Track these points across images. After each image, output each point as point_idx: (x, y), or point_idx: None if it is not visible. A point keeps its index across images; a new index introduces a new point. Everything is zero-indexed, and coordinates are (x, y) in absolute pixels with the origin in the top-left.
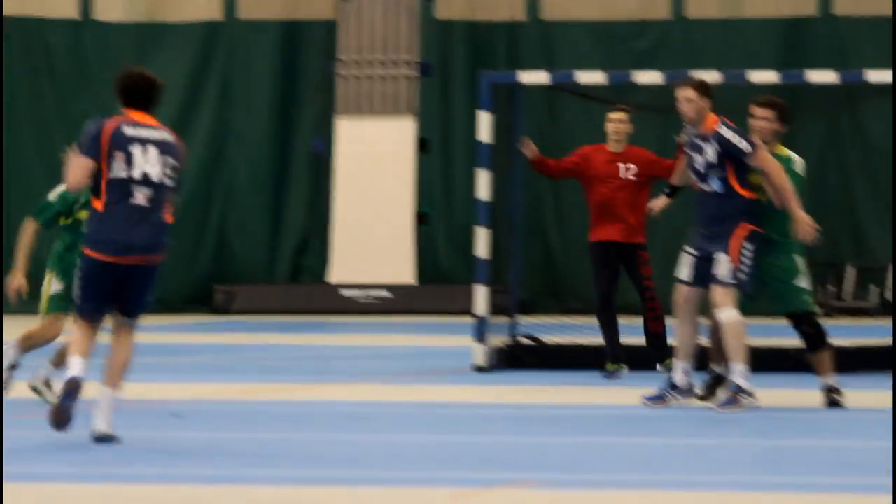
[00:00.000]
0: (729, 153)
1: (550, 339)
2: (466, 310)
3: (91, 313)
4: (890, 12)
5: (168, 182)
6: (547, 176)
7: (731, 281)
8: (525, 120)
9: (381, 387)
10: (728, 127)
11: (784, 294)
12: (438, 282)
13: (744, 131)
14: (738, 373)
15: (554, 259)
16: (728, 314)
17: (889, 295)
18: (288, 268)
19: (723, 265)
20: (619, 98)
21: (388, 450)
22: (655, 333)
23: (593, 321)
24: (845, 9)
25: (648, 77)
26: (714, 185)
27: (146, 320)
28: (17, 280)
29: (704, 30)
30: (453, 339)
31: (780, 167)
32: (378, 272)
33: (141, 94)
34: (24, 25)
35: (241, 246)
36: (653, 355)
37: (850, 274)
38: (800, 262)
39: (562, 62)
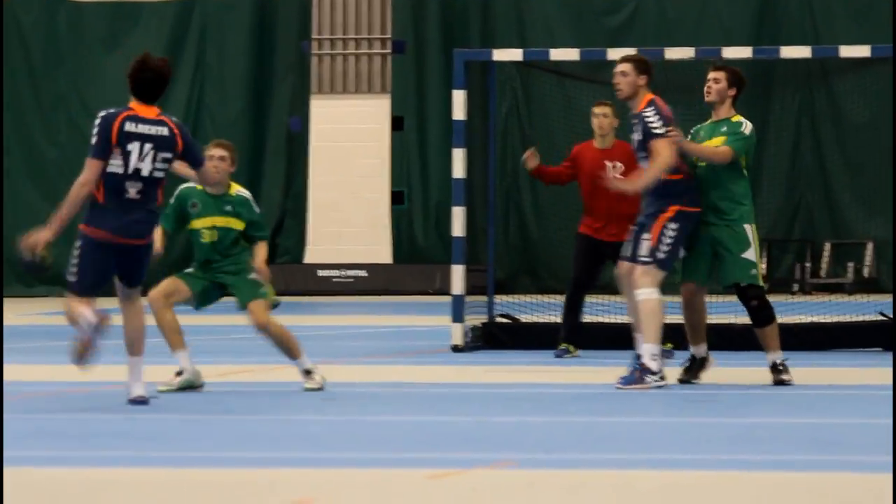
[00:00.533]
0: (646, 134)
1: (527, 318)
2: (443, 289)
3: (86, 289)
4: None
5: (158, 174)
6: (550, 183)
7: (649, 259)
8: (499, 97)
9: (358, 367)
10: (654, 107)
11: (730, 266)
12: (415, 261)
13: (670, 116)
14: (648, 353)
15: (530, 238)
16: (645, 294)
17: (867, 272)
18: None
19: (643, 245)
20: (593, 74)
21: (366, 430)
22: None
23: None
24: None
25: (622, 54)
26: (644, 165)
27: (115, 303)
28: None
29: (678, 5)
30: (430, 319)
31: (668, 161)
32: (354, 252)
33: (149, 89)
34: None
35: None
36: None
37: (827, 250)
38: (749, 232)
39: (535, 39)
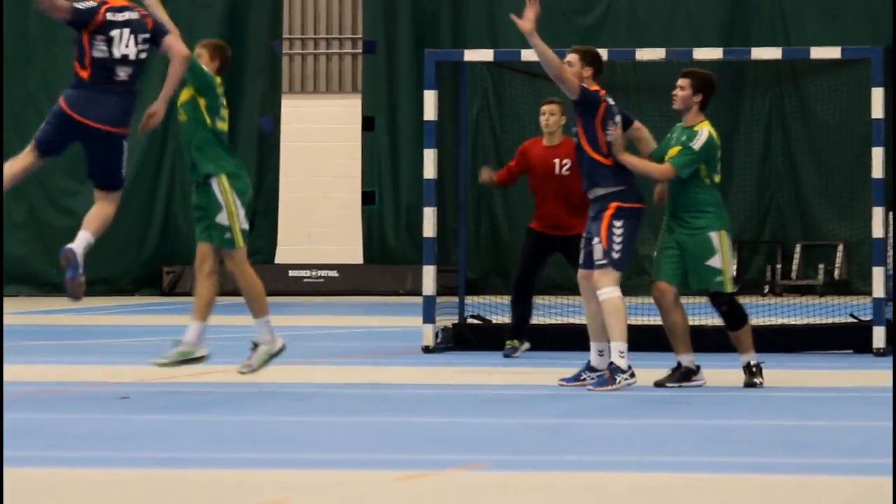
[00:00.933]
0: (577, 110)
1: (498, 319)
2: (414, 290)
3: (46, 146)
4: None
5: (144, 56)
6: (505, 185)
7: (604, 261)
8: (470, 98)
9: (329, 368)
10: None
11: (695, 273)
12: (386, 262)
13: (598, 101)
14: (617, 352)
15: (501, 238)
16: (606, 293)
17: (838, 273)
18: None
19: (597, 249)
20: None
21: (335, 431)
22: None
23: (541, 300)
24: None
25: None
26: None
27: (95, 302)
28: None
29: (649, 6)
30: (401, 320)
31: (545, 53)
32: (325, 252)
33: None
34: None
35: (189, 227)
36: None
37: (797, 252)
38: (715, 240)
39: (507, 39)
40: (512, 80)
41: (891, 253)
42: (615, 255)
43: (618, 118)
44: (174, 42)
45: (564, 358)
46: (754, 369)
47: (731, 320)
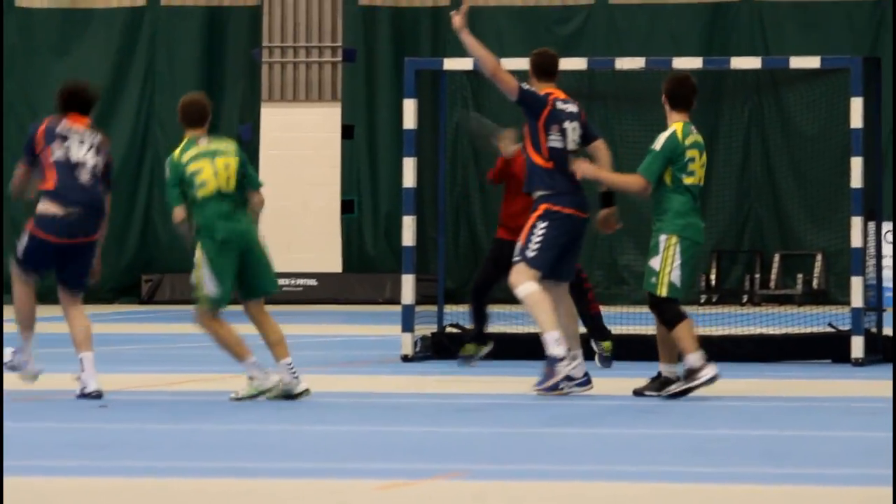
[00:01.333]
0: (524, 110)
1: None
2: (393, 299)
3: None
4: None
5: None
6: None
7: (518, 258)
8: (450, 106)
9: (308, 376)
10: (543, 95)
11: (644, 272)
12: (365, 270)
13: (541, 103)
14: (552, 342)
15: (480, 247)
16: (523, 289)
17: (816, 283)
18: None
19: (518, 246)
20: None
21: (314, 440)
22: (593, 315)
23: (519, 309)
24: None
25: (572, 63)
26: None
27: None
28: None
29: (628, 15)
30: (380, 329)
31: (484, 59)
32: (304, 260)
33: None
34: None
35: (168, 235)
36: (591, 337)
37: (776, 261)
38: (662, 244)
39: (487, 48)
40: (491, 89)
41: (871, 263)
42: (529, 254)
43: (568, 124)
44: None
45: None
46: (662, 380)
47: (665, 323)
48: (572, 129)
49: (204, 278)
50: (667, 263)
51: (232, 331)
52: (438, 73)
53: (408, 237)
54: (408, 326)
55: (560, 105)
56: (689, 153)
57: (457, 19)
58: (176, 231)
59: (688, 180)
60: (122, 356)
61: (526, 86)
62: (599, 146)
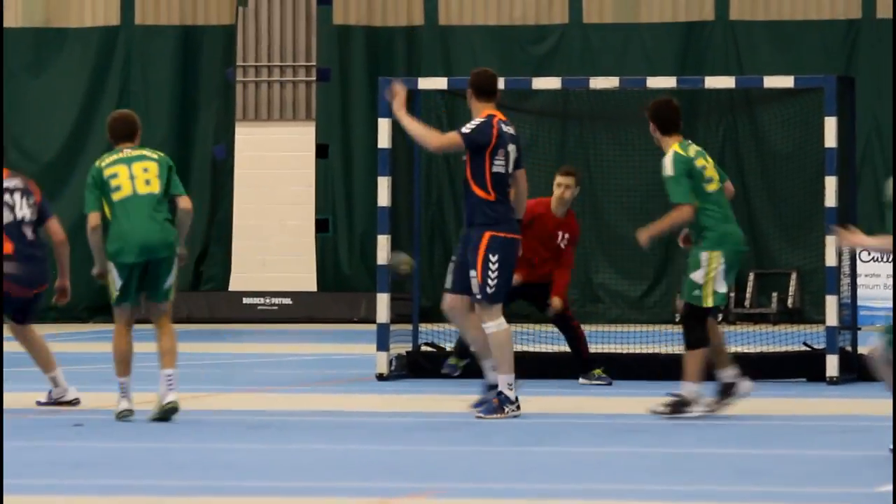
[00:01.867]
0: (473, 151)
1: (452, 347)
2: (368, 317)
3: None
4: (786, 17)
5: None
6: None
7: (479, 296)
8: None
9: (283, 395)
10: (483, 121)
11: (683, 285)
12: (340, 289)
13: (486, 133)
14: (506, 384)
15: None
16: (491, 327)
17: (791, 301)
18: (189, 276)
19: (473, 283)
20: (518, 104)
21: (290, 459)
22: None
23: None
24: (742, 14)
25: (547, 82)
26: (463, 179)
27: (49, 329)
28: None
29: (602, 34)
30: (355, 347)
31: (423, 137)
32: (279, 280)
33: None
34: None
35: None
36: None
37: (751, 280)
38: (702, 257)
39: (460, 67)
40: (466, 108)
41: (845, 281)
42: (489, 290)
43: (511, 147)
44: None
45: (525, 387)
46: (676, 399)
47: (685, 339)
48: (513, 151)
49: (111, 278)
50: (710, 275)
51: (124, 345)
52: (413, 93)
53: (382, 256)
54: (383, 345)
55: (504, 128)
56: (698, 162)
57: (395, 104)
58: (89, 239)
59: (709, 188)
60: (99, 375)
61: (466, 129)
62: (520, 176)
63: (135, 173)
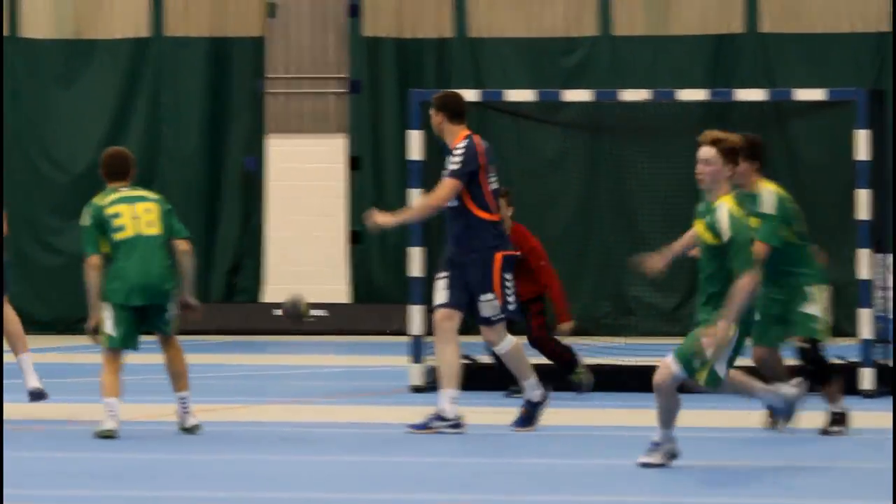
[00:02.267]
0: (468, 180)
1: (486, 359)
2: (402, 329)
3: None
4: (816, 30)
5: None
6: None
7: (500, 316)
8: None
9: (317, 407)
10: (466, 146)
11: (792, 320)
12: (373, 301)
13: (474, 157)
14: (448, 398)
15: None
16: (505, 346)
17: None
18: (222, 287)
19: (490, 306)
20: (548, 116)
21: (322, 471)
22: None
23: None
24: (772, 26)
25: (577, 94)
26: (453, 202)
27: (82, 340)
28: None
29: (632, 46)
30: (389, 359)
31: (427, 208)
32: (312, 291)
33: None
34: None
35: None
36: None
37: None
38: (810, 291)
39: (490, 79)
40: (496, 120)
41: (881, 294)
42: (510, 307)
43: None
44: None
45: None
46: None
47: (813, 375)
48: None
49: (105, 318)
50: (824, 308)
51: (115, 381)
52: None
53: (415, 268)
54: (417, 357)
55: (484, 145)
56: (789, 203)
57: (384, 221)
58: (86, 280)
59: (797, 227)
60: (131, 386)
61: (455, 166)
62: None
63: (138, 213)
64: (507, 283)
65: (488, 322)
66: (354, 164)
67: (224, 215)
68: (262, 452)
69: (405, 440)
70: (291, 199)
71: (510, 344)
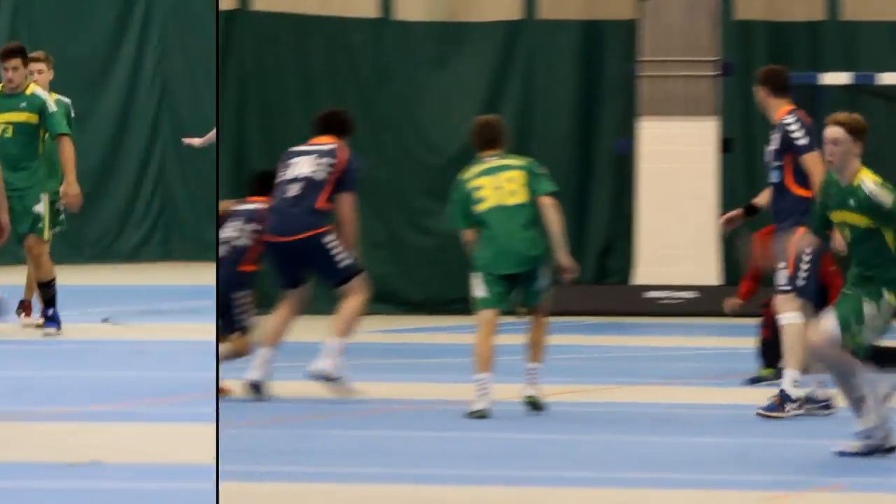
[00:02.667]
0: (787, 145)
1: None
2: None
3: None
4: None
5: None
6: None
7: (788, 288)
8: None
9: (686, 389)
10: (797, 119)
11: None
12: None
13: (809, 129)
14: (791, 380)
15: None
16: (787, 318)
17: None
18: (593, 269)
19: (781, 274)
20: None
21: (695, 453)
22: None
23: None
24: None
25: None
26: (773, 177)
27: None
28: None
29: None
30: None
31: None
32: (682, 273)
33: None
34: (325, 25)
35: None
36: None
37: None
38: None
39: (864, 63)
40: (870, 104)
41: None
42: (801, 283)
43: None
44: None
45: None
46: None
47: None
48: None
49: (476, 285)
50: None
51: (488, 349)
52: (814, 88)
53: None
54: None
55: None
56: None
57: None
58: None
59: None
60: (499, 366)
61: (804, 139)
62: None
63: (500, 184)
64: (803, 258)
65: (777, 289)
66: (726, 146)
67: (595, 197)
68: (629, 433)
69: (774, 421)
70: (662, 181)
71: (792, 319)
